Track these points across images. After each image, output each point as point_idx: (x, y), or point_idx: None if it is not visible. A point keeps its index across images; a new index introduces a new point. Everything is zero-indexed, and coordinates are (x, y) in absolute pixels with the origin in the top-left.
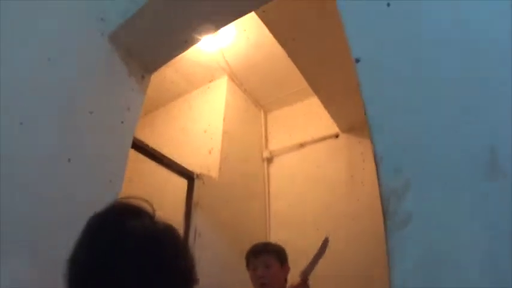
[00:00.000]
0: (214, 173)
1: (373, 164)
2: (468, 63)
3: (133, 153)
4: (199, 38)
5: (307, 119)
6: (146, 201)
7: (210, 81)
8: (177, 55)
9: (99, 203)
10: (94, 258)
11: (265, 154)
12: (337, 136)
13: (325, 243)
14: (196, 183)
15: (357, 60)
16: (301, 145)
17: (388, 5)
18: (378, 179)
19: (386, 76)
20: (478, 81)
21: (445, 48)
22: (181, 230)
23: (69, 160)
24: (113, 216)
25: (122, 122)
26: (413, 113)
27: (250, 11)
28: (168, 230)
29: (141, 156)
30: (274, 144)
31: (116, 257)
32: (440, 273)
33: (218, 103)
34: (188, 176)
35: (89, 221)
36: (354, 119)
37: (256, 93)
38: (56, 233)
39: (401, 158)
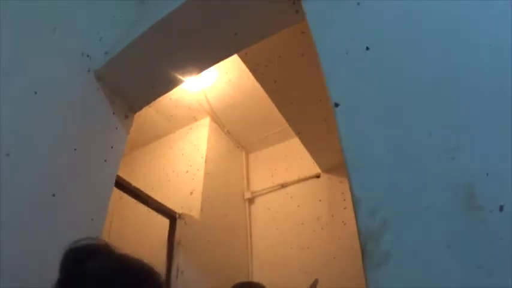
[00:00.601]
0: (196, 213)
1: None
2: (446, 106)
3: (115, 192)
4: (183, 79)
5: (288, 159)
6: (103, 240)
7: (192, 122)
8: (161, 95)
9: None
10: None
11: (247, 195)
12: (318, 176)
13: (314, 285)
14: (179, 222)
15: (336, 105)
16: (283, 185)
17: (367, 48)
18: (356, 219)
19: (364, 120)
20: (454, 122)
21: (425, 92)
22: (163, 268)
23: (53, 195)
24: (70, 259)
25: (105, 160)
26: (390, 155)
27: (232, 54)
28: (125, 266)
29: (123, 195)
30: (255, 185)
31: None
32: None
33: (200, 144)
34: (170, 215)
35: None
36: (334, 159)
37: (237, 134)
38: (37, 268)
39: (378, 198)
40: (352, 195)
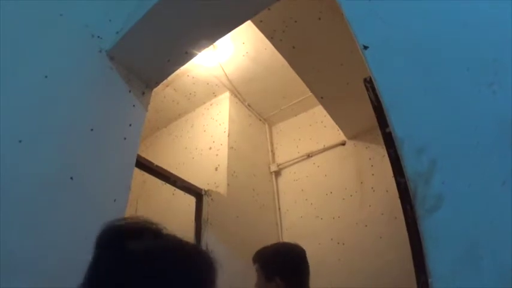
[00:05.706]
0: (222, 190)
1: (382, 168)
2: (480, 39)
3: (138, 173)
4: (197, 51)
5: (312, 129)
6: (150, 221)
7: (211, 98)
8: (176, 69)
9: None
10: (97, 280)
11: (273, 168)
12: (343, 144)
13: None
14: (205, 200)
15: (365, 47)
16: (308, 156)
17: None
18: (402, 163)
19: (397, 59)
20: (490, 56)
21: (457, 26)
22: None
23: (71, 178)
24: (115, 237)
25: (125, 139)
26: (429, 92)
27: (246, 20)
28: (171, 249)
29: (146, 175)
30: (281, 157)
31: (117, 279)
32: (480, 257)
33: (222, 119)
34: (196, 193)
35: (97, 237)
36: (359, 124)
37: (259, 107)
38: (58, 253)
39: (423, 137)
40: (395, 138)
